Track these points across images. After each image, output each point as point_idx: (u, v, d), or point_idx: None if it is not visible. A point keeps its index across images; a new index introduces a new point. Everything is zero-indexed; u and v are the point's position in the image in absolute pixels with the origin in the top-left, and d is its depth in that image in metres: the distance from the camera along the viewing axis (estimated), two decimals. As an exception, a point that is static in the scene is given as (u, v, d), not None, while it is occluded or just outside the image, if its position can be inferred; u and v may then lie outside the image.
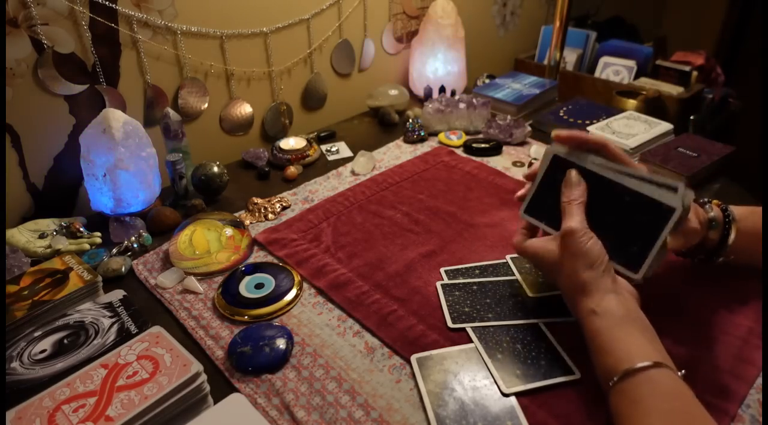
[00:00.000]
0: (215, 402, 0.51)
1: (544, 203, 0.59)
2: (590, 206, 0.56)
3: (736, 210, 0.61)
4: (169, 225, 0.79)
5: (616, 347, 0.47)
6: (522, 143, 1.04)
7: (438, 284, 0.66)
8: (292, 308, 0.65)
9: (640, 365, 0.44)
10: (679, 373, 0.46)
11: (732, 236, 0.59)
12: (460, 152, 1.01)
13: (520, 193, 0.64)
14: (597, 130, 1.00)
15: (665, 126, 1.00)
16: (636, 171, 0.54)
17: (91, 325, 0.60)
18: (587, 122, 1.06)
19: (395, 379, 0.55)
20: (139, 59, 0.87)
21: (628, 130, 0.99)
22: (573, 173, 0.57)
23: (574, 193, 0.56)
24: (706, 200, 0.62)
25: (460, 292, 0.65)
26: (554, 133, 0.59)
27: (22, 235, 0.74)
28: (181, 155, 0.84)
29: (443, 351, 0.57)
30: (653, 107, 1.24)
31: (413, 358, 0.56)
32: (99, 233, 0.78)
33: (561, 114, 1.11)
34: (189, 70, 0.93)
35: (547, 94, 1.21)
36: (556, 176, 0.59)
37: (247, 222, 0.81)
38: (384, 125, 1.14)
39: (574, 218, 0.54)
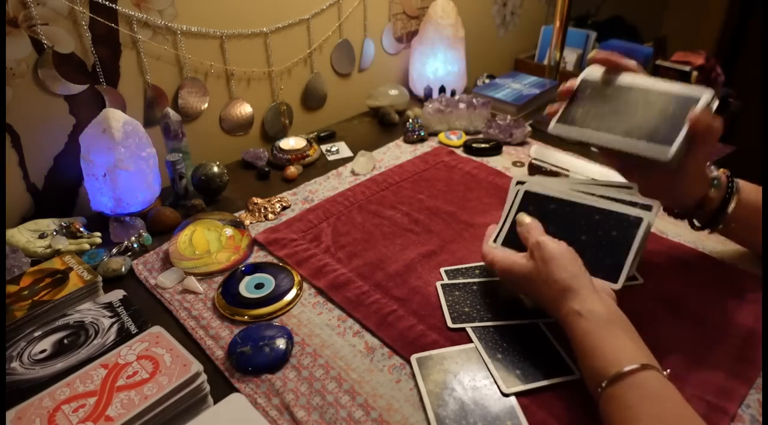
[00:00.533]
0: (215, 402, 0.51)
1: (516, 236, 0.61)
2: (563, 231, 0.58)
3: (742, 182, 0.61)
4: (169, 225, 0.79)
5: (603, 350, 0.47)
6: (522, 143, 1.04)
7: (438, 284, 0.66)
8: (292, 308, 0.65)
9: (628, 368, 0.44)
10: (665, 372, 0.46)
11: (733, 204, 0.60)
12: (460, 152, 1.01)
13: (551, 108, 0.66)
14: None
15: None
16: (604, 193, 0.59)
17: (91, 325, 0.60)
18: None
19: (395, 379, 0.55)
20: (139, 59, 0.87)
21: (628, 130, 0.99)
22: (520, 216, 0.60)
23: (528, 224, 0.59)
24: (709, 164, 0.62)
25: (460, 292, 0.65)
26: (591, 55, 0.63)
27: (22, 235, 0.74)
28: (181, 155, 0.84)
29: (443, 351, 0.57)
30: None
31: (413, 358, 0.56)
32: (99, 233, 0.78)
33: (561, 114, 1.11)
34: (189, 70, 0.93)
35: (547, 94, 1.21)
36: (528, 209, 0.62)
37: (247, 222, 0.81)
38: (384, 125, 1.14)
39: (539, 234, 0.56)
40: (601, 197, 0.59)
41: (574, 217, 0.58)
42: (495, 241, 0.62)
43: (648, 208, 0.56)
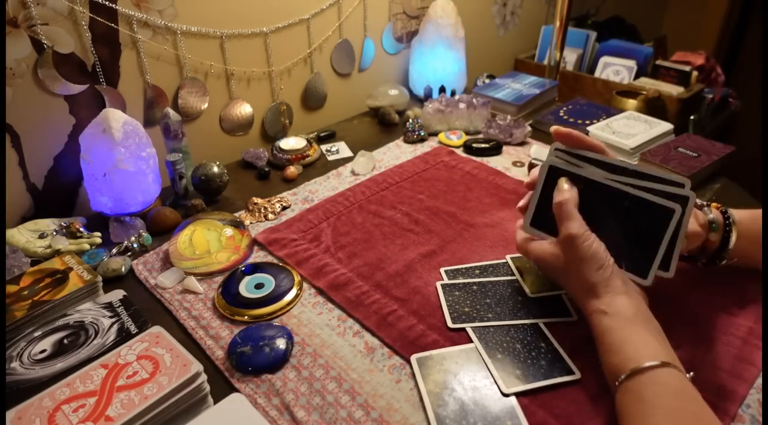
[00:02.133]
0: (215, 402, 0.51)
1: (548, 214, 0.58)
2: (591, 212, 0.55)
3: (736, 213, 0.61)
4: (169, 225, 0.79)
5: (624, 346, 0.47)
6: (522, 143, 1.04)
7: (438, 284, 0.66)
8: (292, 308, 0.65)
9: (647, 364, 0.45)
10: (688, 375, 0.46)
11: (733, 239, 0.59)
12: (460, 152, 1.01)
13: (521, 203, 0.62)
14: (597, 130, 1.00)
15: (665, 126, 1.00)
16: (639, 168, 0.55)
17: (91, 325, 0.60)
18: (587, 122, 1.06)
19: (395, 379, 0.55)
20: (139, 59, 0.87)
21: (628, 130, 0.99)
22: (562, 181, 0.57)
23: (564, 195, 0.56)
24: (704, 203, 0.62)
25: (460, 292, 0.65)
26: (553, 128, 0.59)
27: (22, 235, 0.74)
28: (181, 155, 0.84)
29: (443, 351, 0.57)
30: (653, 106, 1.24)
31: (413, 358, 0.56)
32: (99, 233, 0.78)
33: (561, 114, 1.11)
34: (189, 70, 0.93)
35: (547, 94, 1.21)
36: (554, 187, 0.58)
37: (247, 222, 0.81)
38: (384, 125, 1.14)
39: (572, 222, 0.54)
40: (637, 176, 0.54)
41: (603, 200, 0.56)
42: (531, 224, 0.60)
43: (684, 200, 0.52)
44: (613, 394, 0.47)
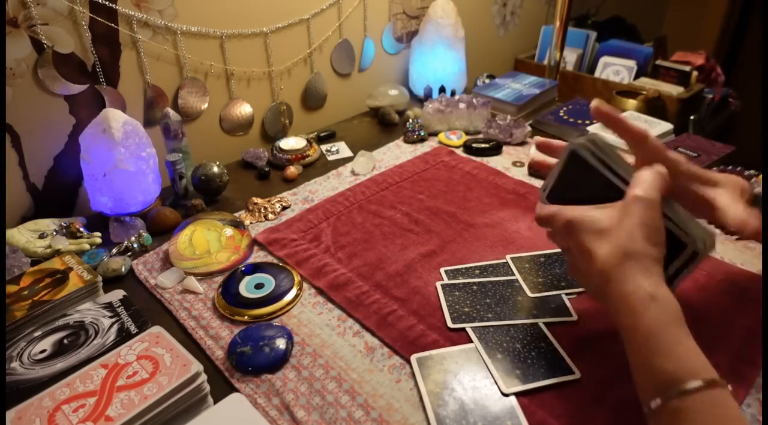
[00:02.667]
0: (215, 402, 0.51)
1: (564, 195, 0.54)
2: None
3: None
4: (169, 225, 0.79)
5: (679, 352, 0.40)
6: (522, 143, 1.04)
7: (438, 284, 0.66)
8: (292, 308, 0.65)
9: (702, 382, 0.39)
10: (730, 388, 0.41)
11: None
12: (460, 152, 1.01)
13: (536, 157, 0.60)
14: (597, 130, 1.00)
15: (665, 126, 1.00)
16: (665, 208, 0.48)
17: (91, 325, 0.60)
18: (587, 122, 1.06)
19: (395, 379, 0.55)
20: (139, 59, 0.87)
21: (628, 130, 0.99)
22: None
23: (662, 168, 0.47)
24: (753, 173, 0.57)
25: (460, 292, 0.65)
26: (594, 104, 0.51)
27: (22, 235, 0.74)
28: (181, 155, 0.84)
29: (443, 351, 0.57)
30: (653, 106, 1.24)
31: (413, 358, 0.56)
32: (99, 233, 0.78)
33: (561, 114, 1.11)
34: (189, 70, 0.93)
35: (547, 94, 1.21)
36: (570, 176, 0.54)
37: (247, 222, 0.81)
38: (384, 125, 1.14)
39: (648, 186, 0.45)
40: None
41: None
42: (544, 192, 0.56)
43: (699, 241, 0.46)
44: (647, 408, 0.40)
